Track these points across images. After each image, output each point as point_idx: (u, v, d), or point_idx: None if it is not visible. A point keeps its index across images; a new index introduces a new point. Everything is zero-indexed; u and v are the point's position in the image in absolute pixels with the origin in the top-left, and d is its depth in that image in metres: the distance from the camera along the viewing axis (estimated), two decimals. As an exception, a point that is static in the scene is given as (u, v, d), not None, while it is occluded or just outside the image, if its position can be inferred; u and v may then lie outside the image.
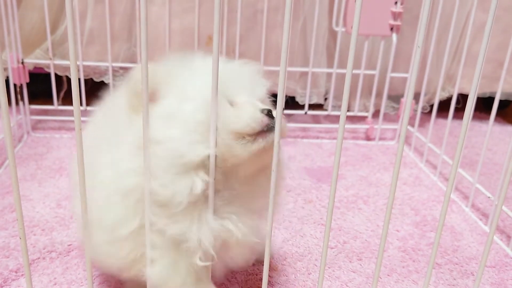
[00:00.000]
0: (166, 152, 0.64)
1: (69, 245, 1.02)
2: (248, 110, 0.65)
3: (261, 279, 0.95)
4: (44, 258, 0.98)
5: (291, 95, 1.79)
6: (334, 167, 0.64)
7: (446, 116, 1.50)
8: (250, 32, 1.66)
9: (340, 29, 1.60)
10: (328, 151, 1.59)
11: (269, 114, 0.66)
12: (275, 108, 0.61)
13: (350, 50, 0.60)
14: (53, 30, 1.58)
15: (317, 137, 1.70)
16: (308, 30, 1.69)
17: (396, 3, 1.53)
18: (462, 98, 1.87)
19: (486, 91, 1.90)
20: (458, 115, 1.48)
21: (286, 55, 0.57)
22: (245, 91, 0.68)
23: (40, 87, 1.65)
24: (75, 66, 0.56)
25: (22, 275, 0.93)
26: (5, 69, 1.47)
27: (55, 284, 0.91)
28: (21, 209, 0.64)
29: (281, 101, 0.59)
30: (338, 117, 1.81)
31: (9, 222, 1.09)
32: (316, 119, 1.82)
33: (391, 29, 1.56)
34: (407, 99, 0.64)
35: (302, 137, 1.69)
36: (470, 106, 0.65)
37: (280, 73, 0.58)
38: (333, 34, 1.72)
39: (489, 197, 1.24)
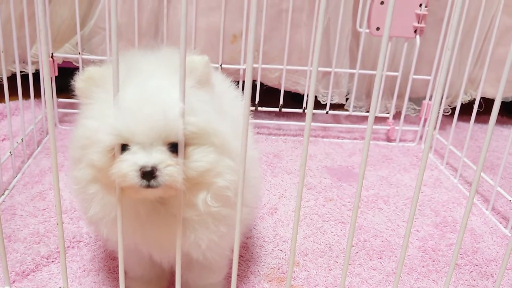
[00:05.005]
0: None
1: (97, 235, 1.05)
2: (122, 167, 0.63)
3: (283, 273, 0.97)
4: (73, 247, 1.01)
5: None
6: (361, 164, 0.66)
7: (466, 119, 1.50)
8: (274, 32, 1.68)
9: (364, 30, 1.61)
10: (349, 150, 1.60)
11: (147, 172, 0.62)
12: (171, 155, 0.63)
13: (381, 53, 0.62)
14: (82, 25, 1.62)
15: (338, 137, 1.71)
16: (331, 31, 1.70)
17: (420, 5, 1.53)
18: (484, 102, 1.87)
19: (508, 95, 1.89)
20: (479, 118, 1.49)
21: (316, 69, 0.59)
22: (143, 135, 0.62)
23: (66, 82, 1.69)
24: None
25: (52, 261, 0.96)
26: (36, 63, 1.51)
27: (84, 270, 0.94)
28: (59, 196, 0.67)
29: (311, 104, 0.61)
30: (359, 117, 1.82)
31: (39, 210, 1.13)
32: (336, 119, 1.83)
33: (415, 31, 1.57)
34: (433, 107, 0.66)
35: (323, 137, 1.71)
36: (496, 110, 0.67)
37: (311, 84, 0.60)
38: (356, 36, 1.73)
39: (510, 200, 1.25)
